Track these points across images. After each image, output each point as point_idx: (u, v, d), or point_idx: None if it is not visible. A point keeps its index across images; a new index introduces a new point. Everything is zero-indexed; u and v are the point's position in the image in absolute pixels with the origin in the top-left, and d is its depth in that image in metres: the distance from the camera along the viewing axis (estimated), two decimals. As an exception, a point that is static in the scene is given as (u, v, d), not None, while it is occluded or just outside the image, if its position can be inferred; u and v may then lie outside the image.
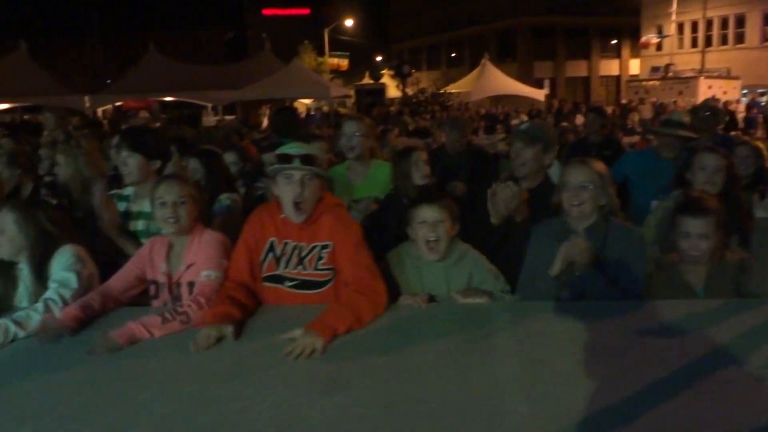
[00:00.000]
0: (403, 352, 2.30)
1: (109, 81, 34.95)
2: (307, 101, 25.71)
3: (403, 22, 51.42)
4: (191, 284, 2.80)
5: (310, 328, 2.35)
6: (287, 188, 2.68)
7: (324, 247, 2.71)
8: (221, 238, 2.87)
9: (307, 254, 2.72)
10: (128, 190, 3.41)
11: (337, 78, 31.78)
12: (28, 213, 2.84)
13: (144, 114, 23.41)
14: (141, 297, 2.90)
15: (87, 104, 20.14)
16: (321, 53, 36.05)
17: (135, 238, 3.26)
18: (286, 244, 2.75)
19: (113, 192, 3.48)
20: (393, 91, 28.07)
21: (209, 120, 20.92)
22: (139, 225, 3.31)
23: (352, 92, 26.45)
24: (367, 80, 31.44)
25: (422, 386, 2.04)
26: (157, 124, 19.62)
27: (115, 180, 3.79)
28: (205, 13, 57.71)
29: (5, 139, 6.21)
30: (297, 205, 2.67)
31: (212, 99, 21.59)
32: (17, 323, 2.51)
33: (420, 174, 3.86)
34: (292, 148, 2.74)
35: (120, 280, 2.85)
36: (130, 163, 3.23)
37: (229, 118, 22.36)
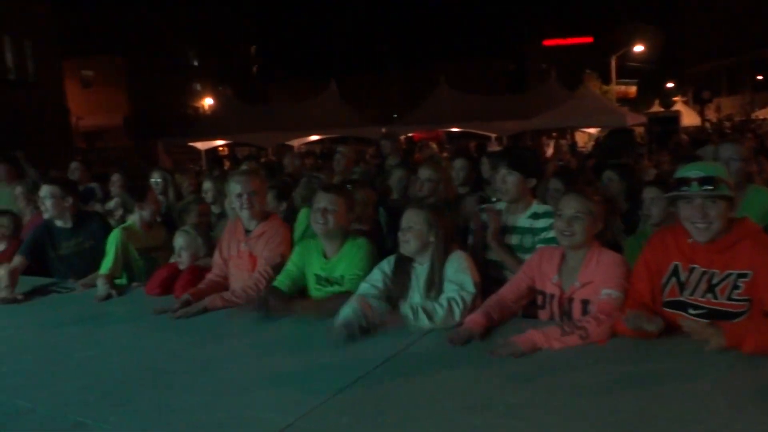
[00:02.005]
0: None
1: (395, 115, 37.86)
2: (592, 130, 24.87)
3: (695, 45, 47.29)
4: (585, 302, 2.75)
5: (720, 325, 2.28)
6: (687, 212, 2.51)
7: (742, 275, 2.43)
8: (621, 259, 2.79)
9: (719, 282, 2.47)
10: (500, 205, 3.50)
11: (623, 106, 30.28)
12: (438, 213, 3.04)
13: (432, 144, 24.70)
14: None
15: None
16: (606, 81, 34.74)
17: (511, 251, 3.32)
18: (692, 269, 2.54)
19: (484, 206, 3.60)
20: (688, 118, 25.81)
21: (494, 150, 21.31)
22: (513, 239, 3.38)
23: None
24: (656, 108, 29.42)
25: None
26: (445, 155, 20.65)
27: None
28: (486, 45, 59.93)
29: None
30: (699, 228, 2.48)
31: (498, 129, 21.94)
32: (427, 312, 2.75)
33: None
34: (690, 171, 2.55)
35: (512, 289, 2.92)
36: (508, 180, 3.32)
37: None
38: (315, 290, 3.46)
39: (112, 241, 4.19)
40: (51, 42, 24.45)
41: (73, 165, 7.52)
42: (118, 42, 37.35)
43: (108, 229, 4.45)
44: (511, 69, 58.20)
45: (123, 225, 4.41)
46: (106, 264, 4.13)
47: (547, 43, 54.38)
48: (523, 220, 3.38)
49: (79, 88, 35.22)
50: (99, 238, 4.41)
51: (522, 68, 56.88)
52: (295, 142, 22.93)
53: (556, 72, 24.46)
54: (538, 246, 3.19)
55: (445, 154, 20.64)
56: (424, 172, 4.35)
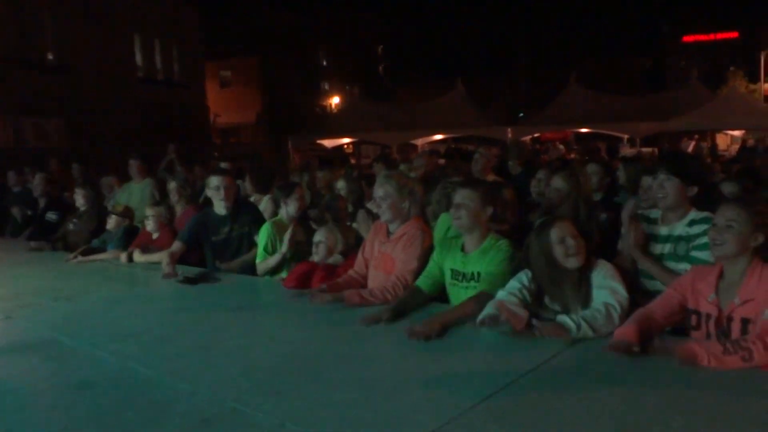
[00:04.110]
0: None
1: (521, 114, 37.06)
2: (736, 133, 23.16)
3: None
4: (745, 321, 2.54)
5: None
6: None
7: None
8: None
9: None
10: (655, 213, 3.34)
11: (772, 107, 27.94)
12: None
13: (559, 146, 24.01)
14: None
15: (509, 135, 21.54)
16: (753, 79, 32.17)
17: (658, 261, 3.18)
18: None
19: (640, 212, 3.46)
20: None
21: (625, 152, 20.37)
22: (666, 248, 3.21)
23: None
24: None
25: None
26: (573, 156, 19.95)
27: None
28: (621, 42, 57.36)
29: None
30: None
31: (630, 130, 20.98)
32: (588, 323, 2.71)
33: None
34: None
35: (662, 304, 2.78)
36: (666, 186, 3.16)
37: (646, 150, 21.40)
38: (450, 285, 3.49)
39: (263, 234, 4.55)
40: (195, 45, 26.21)
41: (223, 164, 8.02)
42: (254, 43, 39.30)
43: (260, 220, 4.83)
44: (647, 67, 55.30)
45: (273, 219, 4.74)
46: (260, 255, 4.53)
47: (688, 38, 51.23)
48: (680, 228, 3.19)
49: (217, 88, 37.44)
50: (252, 226, 4.79)
51: (659, 66, 53.86)
52: (419, 141, 23.10)
53: (698, 70, 23.00)
54: (693, 255, 3.03)
55: (573, 155, 19.99)
56: (556, 182, 4.24)
